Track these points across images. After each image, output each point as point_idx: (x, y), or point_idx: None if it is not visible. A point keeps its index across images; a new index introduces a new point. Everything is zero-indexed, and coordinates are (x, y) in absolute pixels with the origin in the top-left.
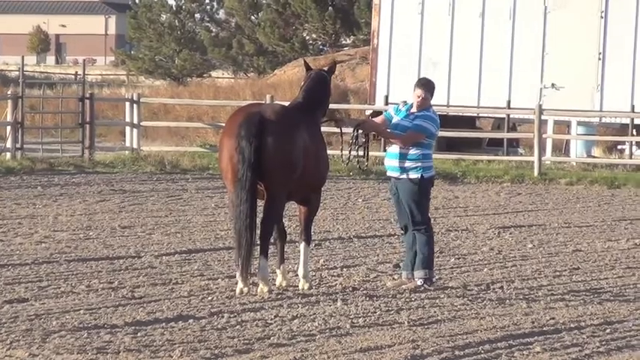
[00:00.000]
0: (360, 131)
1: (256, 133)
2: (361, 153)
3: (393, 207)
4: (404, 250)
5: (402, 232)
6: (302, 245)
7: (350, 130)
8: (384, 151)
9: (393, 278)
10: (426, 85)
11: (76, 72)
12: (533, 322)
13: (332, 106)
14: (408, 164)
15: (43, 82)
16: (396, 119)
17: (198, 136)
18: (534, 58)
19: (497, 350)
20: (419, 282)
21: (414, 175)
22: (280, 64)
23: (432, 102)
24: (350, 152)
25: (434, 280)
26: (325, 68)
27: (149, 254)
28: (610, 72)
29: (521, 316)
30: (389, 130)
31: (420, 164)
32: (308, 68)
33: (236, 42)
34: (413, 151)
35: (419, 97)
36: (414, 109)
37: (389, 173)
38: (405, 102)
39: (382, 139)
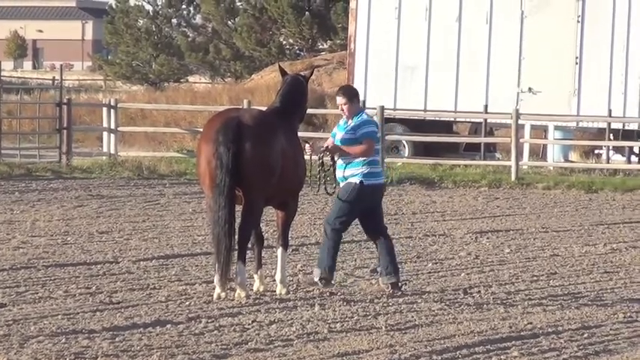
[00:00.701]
0: (327, 157)
1: (234, 139)
2: (329, 177)
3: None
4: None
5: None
6: (279, 250)
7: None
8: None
9: (371, 283)
10: (346, 93)
11: (54, 77)
12: (510, 327)
13: (310, 111)
14: (350, 172)
15: (21, 88)
16: (339, 135)
17: (176, 141)
18: (511, 63)
19: (474, 355)
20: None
21: (354, 180)
22: (257, 69)
23: (410, 106)
24: (319, 179)
25: (400, 284)
26: (302, 73)
27: (127, 259)
28: (587, 76)
29: (499, 321)
30: (349, 146)
31: (362, 170)
32: (284, 73)
33: (213, 47)
34: (354, 160)
35: (343, 104)
36: (348, 120)
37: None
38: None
39: None
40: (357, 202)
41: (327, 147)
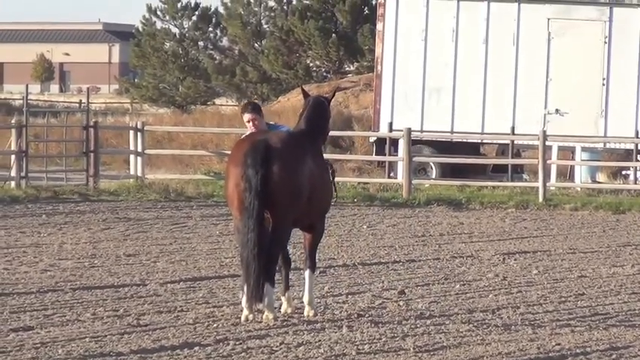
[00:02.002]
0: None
1: (262, 161)
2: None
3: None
4: (409, 276)
5: None
6: (307, 272)
7: None
8: (388, 177)
9: (399, 305)
10: (255, 109)
11: (80, 100)
12: (538, 348)
13: (336, 133)
14: None
15: (47, 111)
16: None
17: (203, 163)
18: (538, 84)
19: None
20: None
21: None
22: (284, 92)
23: (437, 128)
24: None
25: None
26: (325, 95)
27: (154, 282)
28: (614, 97)
29: (527, 342)
30: None
31: None
32: (306, 95)
33: (240, 69)
34: None
35: (249, 120)
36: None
37: None
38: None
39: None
40: None
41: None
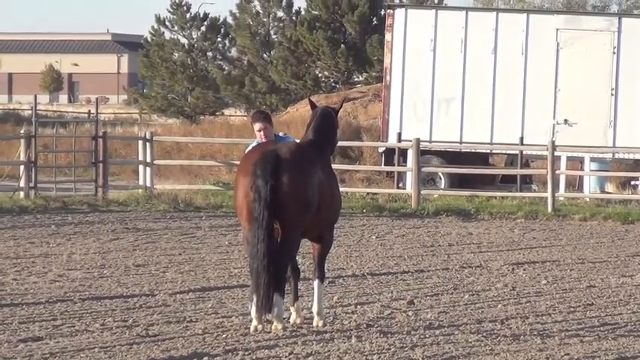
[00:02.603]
0: None
1: (272, 172)
2: None
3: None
4: (418, 286)
5: None
6: (316, 282)
7: None
8: (397, 187)
9: (407, 315)
10: (267, 118)
11: (89, 110)
12: (547, 358)
13: (345, 143)
14: None
15: (56, 121)
16: None
17: (212, 174)
18: (547, 95)
19: None
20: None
21: None
22: (293, 102)
23: (446, 138)
24: None
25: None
26: (333, 106)
27: (163, 292)
28: (623, 108)
29: (536, 352)
30: None
31: None
32: (313, 106)
33: (248, 80)
34: None
35: (260, 129)
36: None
37: None
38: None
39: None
40: None
41: None
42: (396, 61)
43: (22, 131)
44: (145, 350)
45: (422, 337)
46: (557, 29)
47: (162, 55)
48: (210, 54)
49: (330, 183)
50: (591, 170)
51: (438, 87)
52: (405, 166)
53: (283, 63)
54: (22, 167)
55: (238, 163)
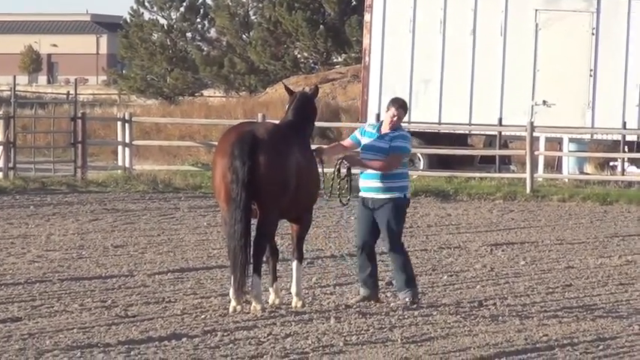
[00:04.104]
0: (344, 164)
1: (249, 153)
2: (344, 186)
3: (356, 225)
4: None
5: (359, 251)
6: (294, 263)
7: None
8: None
9: (386, 296)
10: (403, 106)
11: (68, 92)
12: (526, 339)
13: (323, 124)
14: (389, 184)
15: (35, 102)
16: (365, 140)
17: (190, 154)
18: (526, 75)
19: None
20: (407, 301)
21: (396, 194)
22: (272, 83)
23: (425, 119)
24: (332, 186)
25: (419, 298)
26: (307, 89)
27: (142, 273)
28: (601, 89)
29: (514, 333)
30: (370, 160)
31: (402, 184)
32: (290, 92)
33: (227, 61)
34: (394, 171)
35: (394, 116)
36: (385, 129)
37: (366, 194)
38: (372, 124)
39: None
40: (404, 216)
41: (344, 157)
42: (375, 41)
43: (0, 112)
44: (124, 331)
45: (400, 318)
46: (537, 10)
47: (142, 36)
48: (189, 35)
49: (308, 164)
50: (570, 151)
51: (416, 68)
52: None
53: (262, 44)
54: (0, 148)
55: (217, 144)
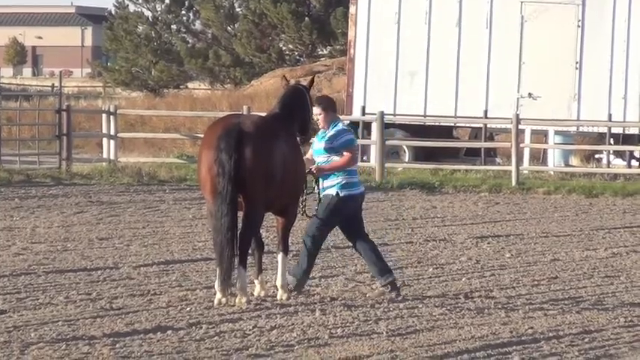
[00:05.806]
0: (312, 177)
1: (236, 146)
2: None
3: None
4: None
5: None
6: (280, 256)
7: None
8: (362, 161)
9: (372, 288)
10: (321, 102)
11: (53, 84)
12: (511, 332)
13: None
14: (331, 182)
15: (20, 94)
16: (317, 145)
17: (175, 147)
18: (511, 68)
19: None
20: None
21: (332, 192)
22: (257, 75)
23: (410, 111)
24: (303, 201)
25: (398, 284)
26: (303, 82)
27: (127, 265)
28: (587, 81)
29: (500, 326)
30: (330, 163)
31: (338, 181)
32: (287, 84)
33: (212, 53)
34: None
35: (318, 115)
36: (324, 128)
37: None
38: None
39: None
40: (334, 213)
41: (311, 170)
42: (361, 34)
43: None
44: (109, 323)
45: (386, 310)
46: (522, 2)
47: (127, 28)
48: (174, 27)
49: (294, 157)
50: (555, 143)
51: (402, 60)
52: (369, 139)
53: (247, 36)
54: None
55: (202, 136)
